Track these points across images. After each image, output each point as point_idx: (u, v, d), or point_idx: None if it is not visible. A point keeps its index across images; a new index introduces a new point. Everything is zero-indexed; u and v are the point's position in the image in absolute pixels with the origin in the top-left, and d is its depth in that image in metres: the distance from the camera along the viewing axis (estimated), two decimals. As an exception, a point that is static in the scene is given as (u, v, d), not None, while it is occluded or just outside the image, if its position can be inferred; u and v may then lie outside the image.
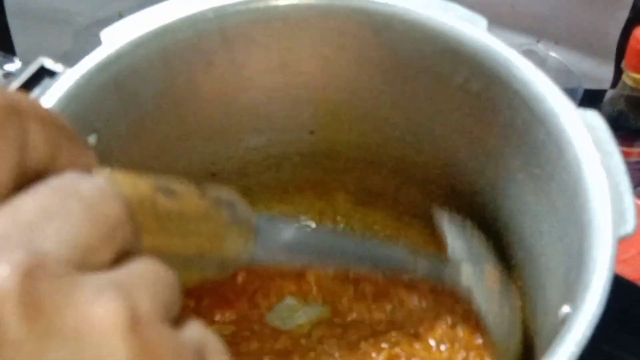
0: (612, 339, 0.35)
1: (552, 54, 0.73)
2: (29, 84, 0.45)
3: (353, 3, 0.47)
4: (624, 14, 0.74)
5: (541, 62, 0.71)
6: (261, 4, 0.47)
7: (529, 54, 0.67)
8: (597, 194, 0.38)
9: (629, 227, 0.37)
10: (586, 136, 0.40)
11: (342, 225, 0.59)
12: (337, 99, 0.52)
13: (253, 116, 0.53)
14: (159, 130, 0.49)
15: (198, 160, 0.53)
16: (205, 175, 0.55)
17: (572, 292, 0.38)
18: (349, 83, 0.51)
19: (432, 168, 0.53)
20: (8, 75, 0.46)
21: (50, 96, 0.42)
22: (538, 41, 0.75)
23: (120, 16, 0.63)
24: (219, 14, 0.46)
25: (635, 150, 0.67)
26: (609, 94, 0.71)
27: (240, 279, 0.54)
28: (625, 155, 0.67)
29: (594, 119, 0.41)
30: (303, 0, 0.47)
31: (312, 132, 0.55)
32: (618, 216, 0.37)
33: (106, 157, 0.46)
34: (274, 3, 0.47)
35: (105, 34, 0.45)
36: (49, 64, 0.46)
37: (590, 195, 0.39)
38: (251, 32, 0.48)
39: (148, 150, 0.49)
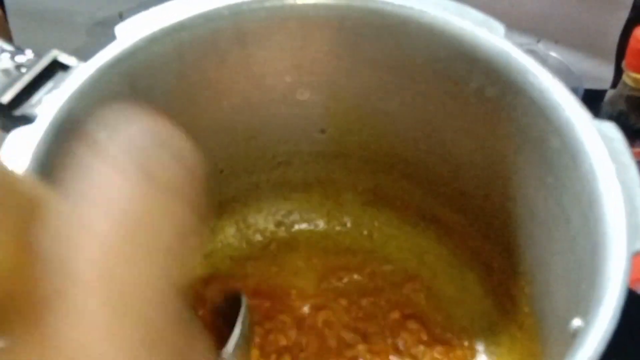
0: (615, 346, 0.35)
1: (552, 53, 0.73)
2: (42, 77, 0.45)
3: (369, 4, 0.46)
4: (624, 14, 0.73)
5: (541, 62, 0.70)
6: (277, 3, 0.46)
7: (529, 54, 0.66)
8: (612, 207, 0.38)
9: (644, 242, 0.37)
10: (602, 147, 0.40)
11: (349, 225, 0.59)
12: (350, 100, 0.52)
13: (264, 114, 0.52)
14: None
15: (207, 156, 0.53)
16: (213, 172, 0.55)
17: (583, 305, 0.37)
18: (362, 84, 0.50)
19: (442, 171, 0.53)
20: (20, 67, 0.46)
21: (63, 90, 0.42)
22: (538, 41, 0.75)
23: (121, 17, 0.63)
24: (234, 11, 0.46)
25: (635, 150, 0.66)
26: (609, 94, 0.70)
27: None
28: None
29: (610, 130, 0.40)
30: (319, 0, 0.47)
31: (322, 131, 0.54)
32: (633, 230, 0.37)
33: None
34: (289, 2, 0.47)
35: (120, 29, 0.44)
36: (63, 57, 0.45)
37: (605, 209, 0.38)
38: (266, 30, 0.47)
39: (159, 146, 0.49)
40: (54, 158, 0.40)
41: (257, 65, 0.49)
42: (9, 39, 0.66)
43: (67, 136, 0.42)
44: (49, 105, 0.41)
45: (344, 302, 0.55)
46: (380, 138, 0.54)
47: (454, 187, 0.53)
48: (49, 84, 0.45)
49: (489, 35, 0.44)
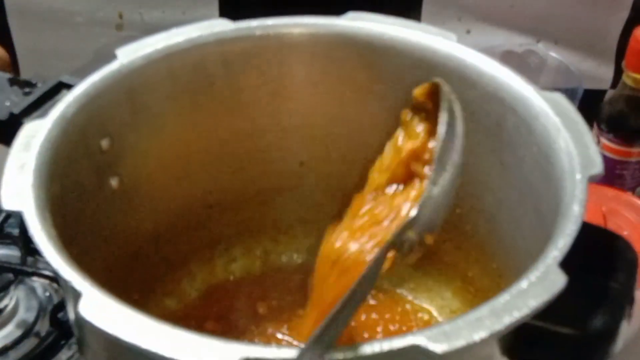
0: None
1: (552, 54, 0.74)
2: (49, 94, 0.50)
3: (337, 28, 0.53)
4: (624, 14, 0.75)
5: (541, 62, 0.71)
6: (258, 31, 0.53)
7: (529, 54, 0.69)
8: (566, 147, 0.43)
9: (598, 168, 0.41)
10: (550, 109, 0.45)
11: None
12: (325, 127, 0.57)
13: (249, 145, 0.57)
14: (164, 148, 0.53)
15: (197, 188, 0.57)
16: (203, 207, 0.58)
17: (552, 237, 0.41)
18: (336, 108, 0.56)
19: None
20: (28, 94, 0.51)
21: (69, 95, 0.46)
22: (538, 41, 0.76)
23: (121, 17, 0.67)
24: (220, 38, 0.52)
25: (635, 150, 0.68)
26: (609, 94, 0.71)
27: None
28: (626, 155, 0.69)
29: (556, 96, 0.46)
30: (296, 29, 0.53)
31: (302, 164, 0.59)
32: (586, 162, 0.42)
33: (117, 166, 0.50)
34: (270, 31, 0.53)
35: (121, 52, 0.50)
36: (67, 78, 0.51)
37: (561, 154, 0.43)
38: (248, 57, 0.53)
39: (155, 166, 0.53)
40: (58, 145, 0.45)
41: (241, 92, 0.55)
42: (17, 73, 0.70)
43: (71, 132, 0.46)
44: (58, 106, 0.46)
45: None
46: (353, 164, 0.58)
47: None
48: (56, 98, 0.50)
49: (444, 41, 0.51)
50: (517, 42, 0.73)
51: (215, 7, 0.72)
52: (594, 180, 0.41)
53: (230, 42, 0.53)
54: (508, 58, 0.72)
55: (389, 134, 0.56)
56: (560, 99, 0.46)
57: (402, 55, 0.52)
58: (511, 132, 0.48)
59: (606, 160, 0.69)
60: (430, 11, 0.73)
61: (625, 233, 0.42)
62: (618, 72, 0.75)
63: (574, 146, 0.43)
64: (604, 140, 0.69)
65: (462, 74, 0.50)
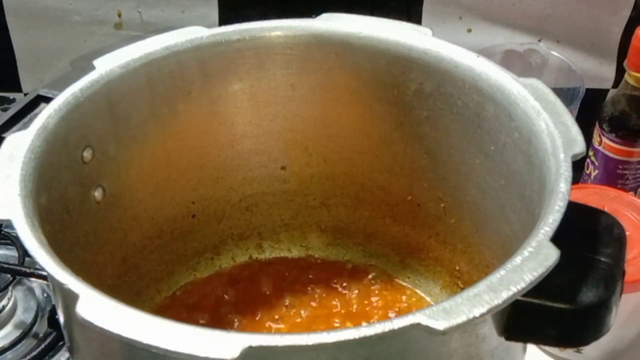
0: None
1: (554, 53, 0.74)
2: (28, 108, 0.50)
3: (313, 29, 0.53)
4: (626, 13, 0.75)
5: (543, 61, 0.71)
6: (234, 36, 0.53)
7: (530, 53, 0.69)
8: (547, 129, 0.43)
9: (580, 146, 0.42)
10: (528, 94, 0.46)
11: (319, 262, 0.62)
12: (305, 129, 0.57)
13: (229, 152, 0.57)
14: (145, 157, 0.53)
15: (180, 197, 0.57)
16: (186, 216, 0.58)
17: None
18: (315, 111, 0.56)
19: (397, 187, 0.58)
20: (6, 109, 0.50)
21: (46, 110, 0.46)
22: (540, 40, 0.76)
23: (120, 16, 0.67)
24: (197, 45, 0.52)
25: (637, 150, 0.68)
26: (611, 93, 0.71)
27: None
28: (628, 155, 0.69)
29: (533, 82, 0.47)
30: (273, 32, 0.54)
31: (283, 168, 0.59)
32: (568, 142, 0.42)
33: (100, 177, 0.50)
34: (247, 35, 0.53)
35: (98, 62, 0.50)
36: (45, 92, 0.50)
37: (543, 136, 0.44)
38: (226, 62, 0.54)
39: (136, 177, 0.53)
40: (41, 156, 0.44)
41: (219, 99, 0.55)
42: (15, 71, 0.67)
43: (53, 143, 0.46)
44: (39, 117, 0.46)
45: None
46: (335, 166, 0.59)
47: (409, 200, 0.58)
48: (34, 112, 0.49)
49: (420, 36, 0.52)
50: (518, 41, 0.73)
51: (214, 6, 0.72)
52: (576, 159, 0.42)
53: (207, 48, 0.53)
54: (509, 57, 0.72)
55: (369, 134, 0.57)
56: (538, 83, 0.47)
57: (379, 53, 0.53)
58: (491, 120, 0.49)
59: (608, 160, 0.70)
60: (431, 10, 0.73)
61: (627, 234, 0.42)
62: (620, 72, 0.75)
63: (554, 128, 0.43)
64: (605, 140, 0.69)
65: (439, 67, 0.51)
